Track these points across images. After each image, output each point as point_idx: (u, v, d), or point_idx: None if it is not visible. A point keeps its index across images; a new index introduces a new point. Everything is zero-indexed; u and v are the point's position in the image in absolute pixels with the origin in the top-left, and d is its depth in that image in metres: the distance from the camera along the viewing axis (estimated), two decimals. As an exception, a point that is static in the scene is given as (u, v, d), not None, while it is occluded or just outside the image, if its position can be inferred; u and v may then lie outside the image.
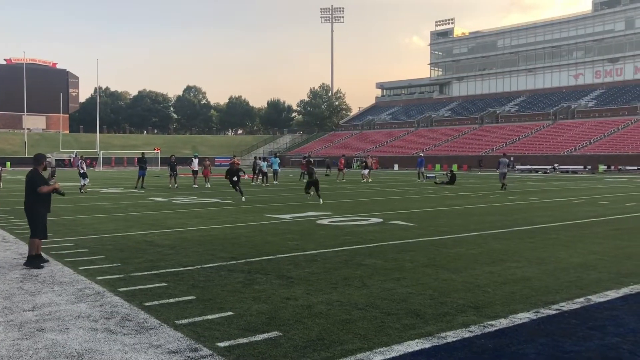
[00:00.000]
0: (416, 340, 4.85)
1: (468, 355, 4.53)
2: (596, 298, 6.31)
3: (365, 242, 10.34)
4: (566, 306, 5.97)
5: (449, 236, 11.20)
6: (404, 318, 5.53)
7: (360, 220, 14.08)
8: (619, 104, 77.52)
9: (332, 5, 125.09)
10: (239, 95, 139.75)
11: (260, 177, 33.17)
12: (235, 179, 20.72)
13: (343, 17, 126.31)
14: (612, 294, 6.48)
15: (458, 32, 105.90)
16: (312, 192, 20.28)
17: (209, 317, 5.55)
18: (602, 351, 4.64)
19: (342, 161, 39.44)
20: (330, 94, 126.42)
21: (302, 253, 9.21)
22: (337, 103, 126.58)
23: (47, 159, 9.22)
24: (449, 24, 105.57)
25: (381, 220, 14.02)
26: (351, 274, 7.60)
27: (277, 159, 36.40)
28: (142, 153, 32.29)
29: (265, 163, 33.49)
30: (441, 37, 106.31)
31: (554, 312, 5.76)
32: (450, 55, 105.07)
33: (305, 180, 30.47)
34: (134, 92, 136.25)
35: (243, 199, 19.97)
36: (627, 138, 66.07)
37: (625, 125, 70.84)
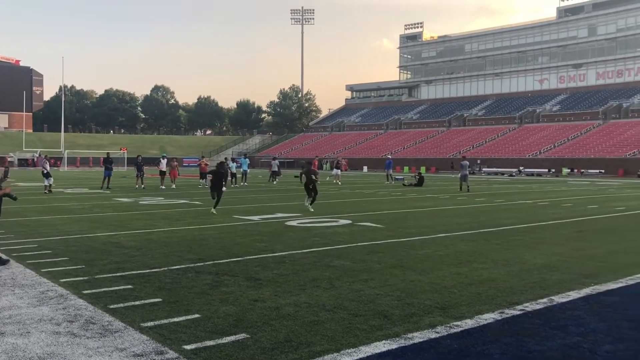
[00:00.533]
0: (383, 341, 4.88)
1: (434, 356, 4.57)
2: (559, 298, 6.45)
3: (334, 244, 10.37)
4: (530, 307, 6.08)
5: (417, 237, 11.30)
6: (372, 319, 5.56)
7: (329, 221, 14.10)
8: (582, 108, 79.51)
9: (302, 7, 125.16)
10: (208, 95, 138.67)
11: (229, 178, 32.98)
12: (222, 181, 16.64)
13: (313, 18, 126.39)
14: (574, 295, 6.63)
15: (427, 36, 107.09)
16: (308, 202, 17.30)
17: (176, 319, 5.49)
18: (564, 350, 4.74)
19: (316, 163, 39.54)
20: (300, 95, 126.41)
21: (270, 255, 9.18)
22: (307, 104, 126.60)
23: (9, 159, 9.01)
24: (417, 27, 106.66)
25: (350, 221, 14.07)
26: (320, 275, 7.61)
27: (247, 159, 36.21)
28: (108, 153, 31.74)
29: (235, 164, 33.30)
30: (410, 41, 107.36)
31: (518, 312, 5.87)
32: (419, 58, 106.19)
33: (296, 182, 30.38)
34: (100, 91, 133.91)
35: (214, 210, 16.15)
36: (590, 142, 67.79)
37: (588, 130, 72.68)
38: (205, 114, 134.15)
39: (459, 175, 28.90)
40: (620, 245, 10.69)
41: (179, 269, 7.98)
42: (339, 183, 35.11)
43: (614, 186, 35.66)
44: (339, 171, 36.87)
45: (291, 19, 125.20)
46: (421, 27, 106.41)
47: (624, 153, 61.47)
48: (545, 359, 4.54)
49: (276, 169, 36.15)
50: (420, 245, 10.38)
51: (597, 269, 8.17)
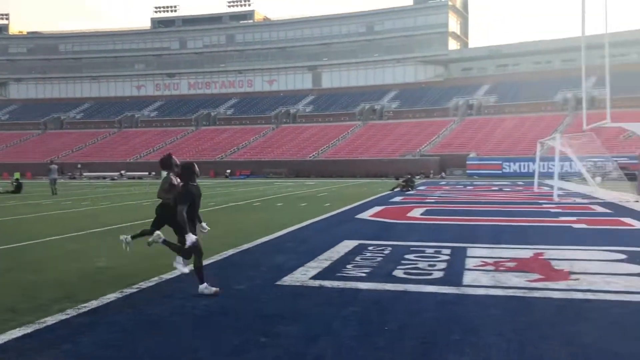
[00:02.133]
0: (18, 329, 5.35)
1: (69, 331, 5.33)
2: (167, 276, 7.87)
3: None
4: (145, 285, 7.31)
5: (27, 242, 11.26)
6: (0, 315, 5.86)
7: None
8: (178, 115, 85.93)
9: None
10: None
11: None
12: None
13: None
14: (177, 272, 8.13)
15: (14, 29, 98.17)
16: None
17: None
18: (172, 310, 6.11)
19: None
20: None
21: None
22: None
23: None
24: (3, 19, 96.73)
25: (-58, 234, 12.77)
26: None
27: None
28: None
29: None
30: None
31: (135, 290, 7.02)
32: (6, 54, 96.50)
33: None
34: None
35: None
36: (185, 146, 74.01)
37: (184, 135, 79.16)
38: None
39: (49, 179, 29.59)
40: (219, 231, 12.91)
41: None
42: None
43: (207, 186, 40.32)
44: None
45: None
46: (7, 19, 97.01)
47: (214, 156, 69.40)
48: (155, 319, 5.81)
49: None
50: (31, 250, 10.48)
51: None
